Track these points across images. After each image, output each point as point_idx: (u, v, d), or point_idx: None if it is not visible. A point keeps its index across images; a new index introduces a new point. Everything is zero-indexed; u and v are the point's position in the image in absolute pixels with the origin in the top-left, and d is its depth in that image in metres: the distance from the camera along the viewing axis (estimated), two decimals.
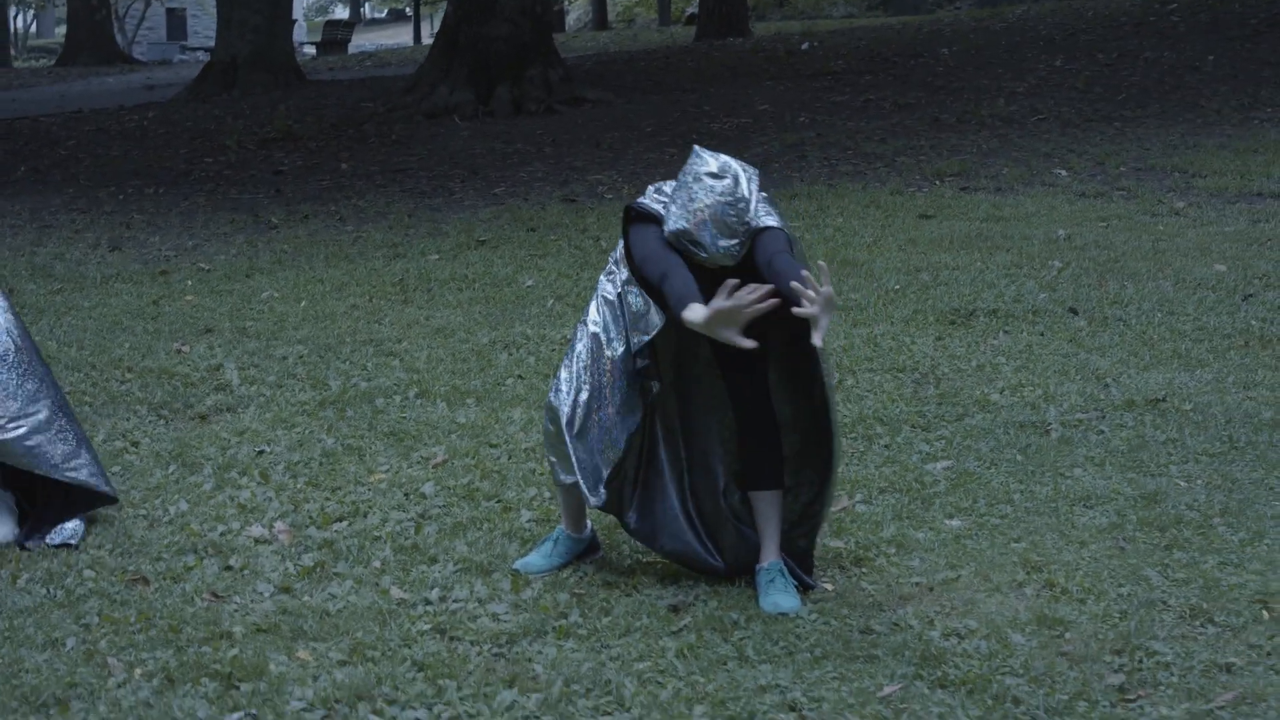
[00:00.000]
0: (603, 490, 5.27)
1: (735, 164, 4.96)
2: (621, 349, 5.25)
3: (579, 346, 5.35)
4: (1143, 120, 15.71)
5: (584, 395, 5.27)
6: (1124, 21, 21.04)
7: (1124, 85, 17.47)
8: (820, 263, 4.76)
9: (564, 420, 5.28)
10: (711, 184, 4.86)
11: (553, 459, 5.39)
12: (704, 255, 4.92)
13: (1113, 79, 17.80)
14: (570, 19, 56.00)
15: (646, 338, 5.20)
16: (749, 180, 4.95)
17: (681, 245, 4.95)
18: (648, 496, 5.37)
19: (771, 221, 5.00)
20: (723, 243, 4.88)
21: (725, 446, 5.41)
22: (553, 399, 5.36)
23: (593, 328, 5.31)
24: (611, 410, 5.26)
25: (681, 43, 28.27)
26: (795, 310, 4.59)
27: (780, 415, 5.27)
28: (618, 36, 35.99)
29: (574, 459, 5.27)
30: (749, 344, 4.60)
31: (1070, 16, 22.42)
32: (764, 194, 5.10)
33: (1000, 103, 16.98)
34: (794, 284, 4.59)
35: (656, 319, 5.15)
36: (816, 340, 4.57)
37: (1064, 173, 13.48)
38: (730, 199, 4.85)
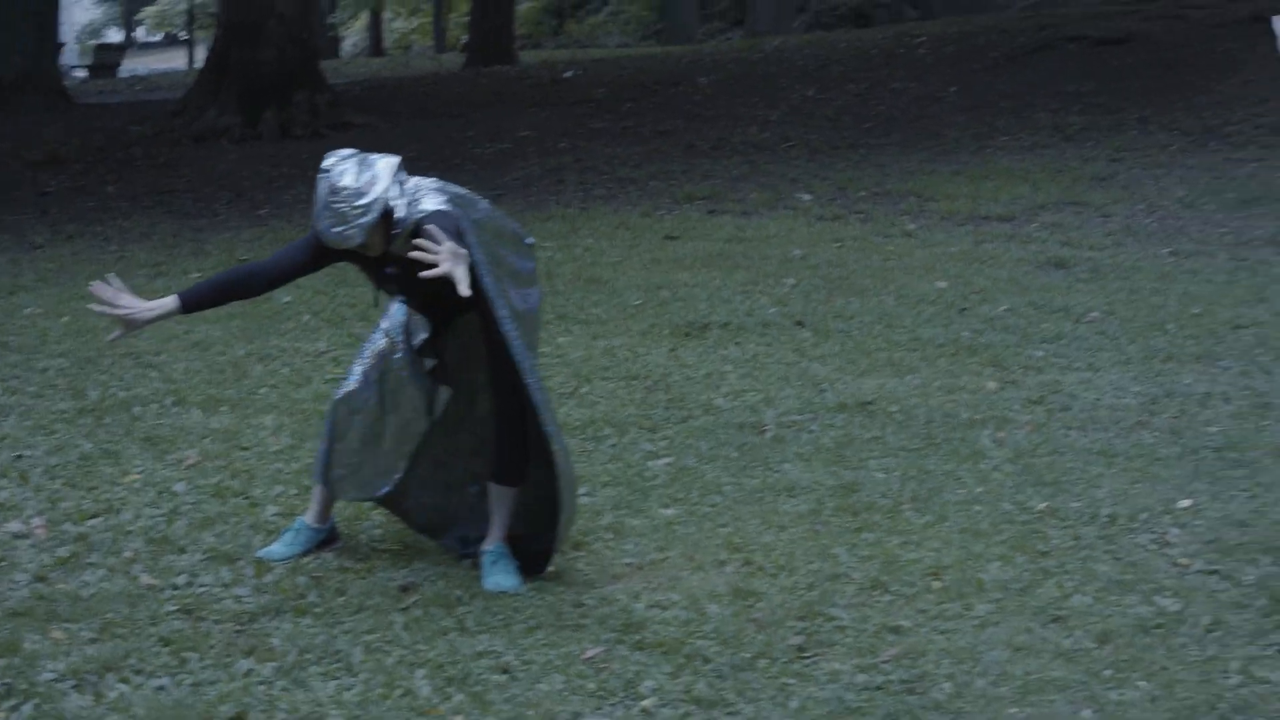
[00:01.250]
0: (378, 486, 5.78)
1: (350, 157, 5.31)
2: (401, 352, 5.71)
3: (367, 346, 5.81)
4: (885, 148, 16.51)
5: (361, 392, 5.74)
6: (875, 54, 21.94)
7: (871, 114, 18.29)
8: (428, 226, 5.12)
9: (338, 416, 5.75)
10: (320, 178, 5.28)
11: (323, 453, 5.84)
12: (331, 242, 5.31)
13: (861, 108, 18.63)
14: (347, 44, 55.99)
15: (424, 335, 5.66)
16: (362, 170, 5.26)
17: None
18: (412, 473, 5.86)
19: (433, 206, 5.38)
20: (334, 230, 5.24)
21: (473, 431, 5.87)
22: (336, 395, 5.81)
23: (383, 325, 5.79)
24: (388, 409, 5.73)
25: (451, 70, 28.68)
26: (424, 274, 4.98)
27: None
28: (390, 63, 36.28)
29: (338, 455, 5.76)
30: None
31: (825, 48, 23.30)
32: (439, 183, 5.51)
33: (753, 130, 17.68)
34: (417, 241, 5.03)
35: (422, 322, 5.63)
36: (463, 290, 4.94)
37: (807, 197, 14.17)
38: (329, 188, 5.23)
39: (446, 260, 4.91)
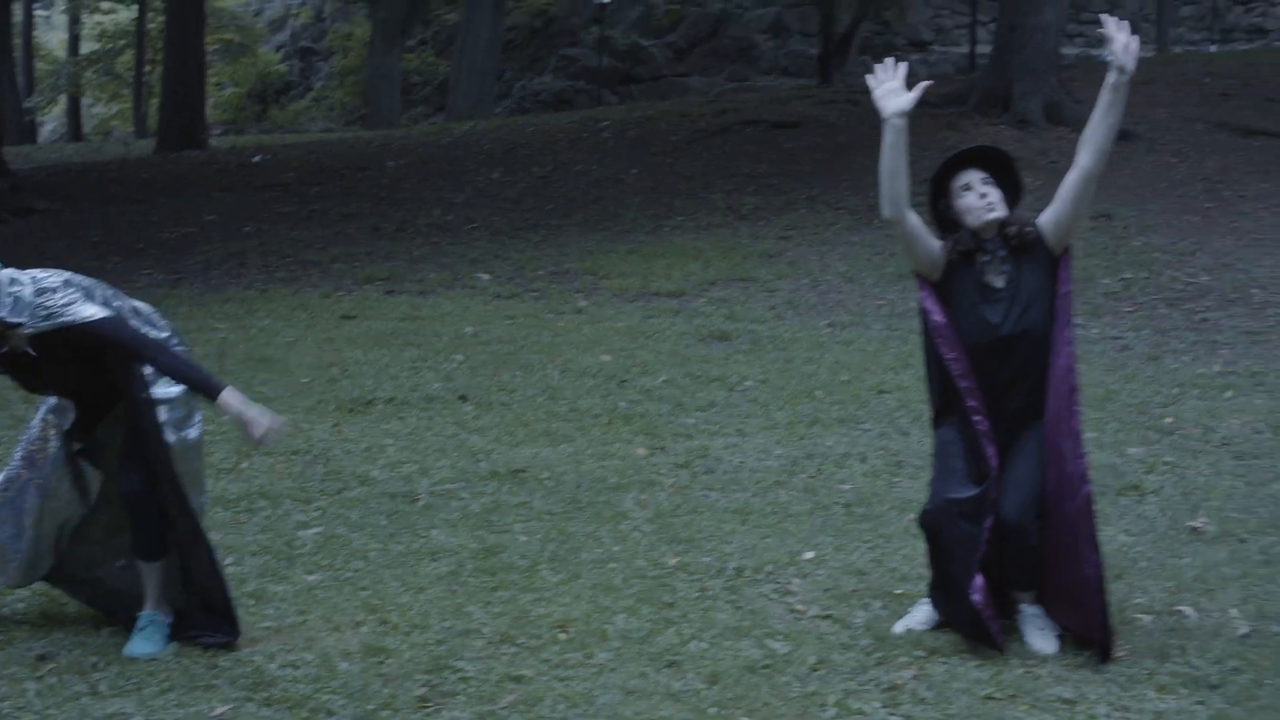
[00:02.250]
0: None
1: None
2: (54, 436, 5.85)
3: (27, 430, 5.93)
4: (566, 228, 16.92)
5: (18, 477, 5.86)
6: (560, 138, 22.44)
7: (554, 196, 18.72)
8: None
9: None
10: None
11: None
12: None
13: (544, 190, 19.05)
14: (46, 129, 54.95)
15: (72, 417, 5.79)
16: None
17: None
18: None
19: (90, 314, 5.53)
20: None
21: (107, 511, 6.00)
22: None
23: (42, 409, 5.91)
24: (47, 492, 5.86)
25: (141, 155, 28.44)
26: None
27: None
28: (84, 149, 35.78)
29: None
30: None
31: (512, 133, 23.73)
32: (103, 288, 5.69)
33: (437, 213, 17.96)
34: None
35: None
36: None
37: (486, 276, 14.47)
38: None
39: None
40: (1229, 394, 10.49)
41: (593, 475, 8.15)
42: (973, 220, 5.87)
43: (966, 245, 5.89)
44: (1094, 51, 40.75)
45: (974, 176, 5.93)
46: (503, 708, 5.19)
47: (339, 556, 6.80)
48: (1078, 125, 19.32)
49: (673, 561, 6.80)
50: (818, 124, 21.21)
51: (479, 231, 16.96)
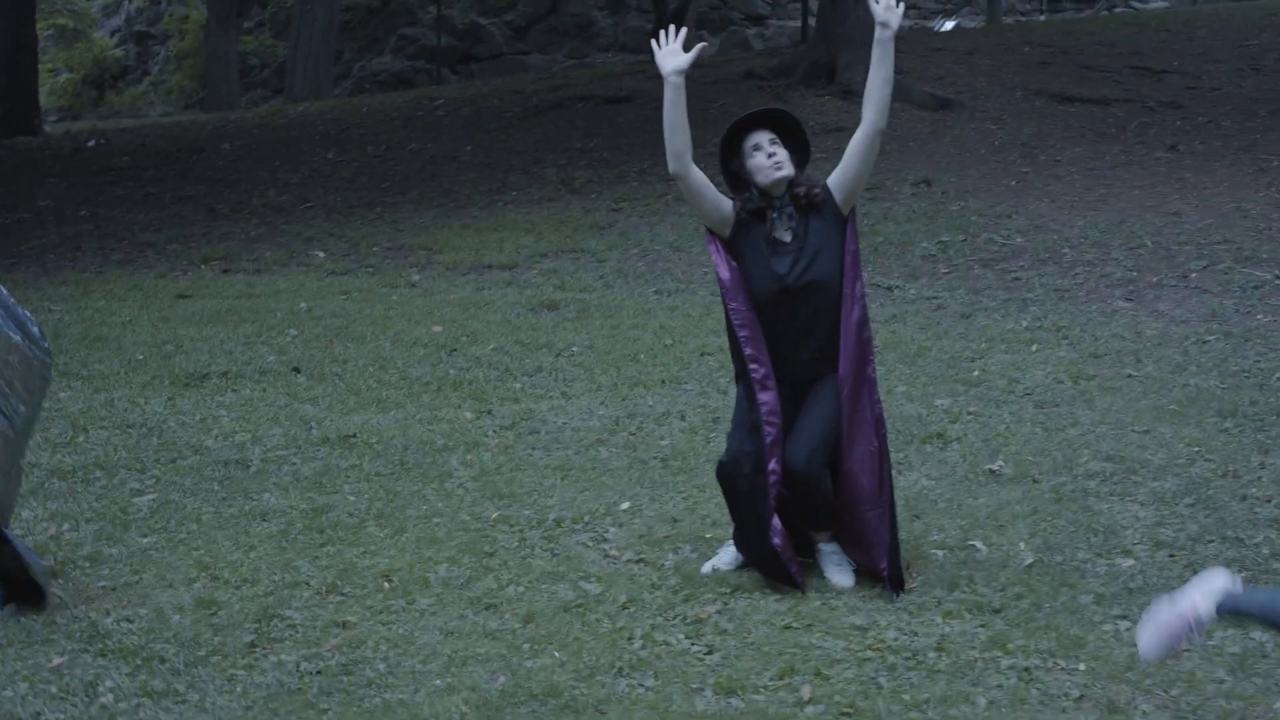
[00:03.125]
0: None
1: None
2: None
3: None
4: (401, 205, 17.14)
5: None
6: (395, 117, 22.60)
7: (389, 174, 18.92)
8: None
9: None
10: None
11: None
12: None
13: (379, 169, 19.23)
14: None
15: None
16: None
17: None
18: None
19: None
20: None
21: None
22: None
23: None
24: None
25: None
26: None
27: None
28: None
29: None
30: None
31: (347, 113, 23.84)
32: None
33: (272, 193, 18.09)
34: None
35: None
36: None
37: (321, 254, 14.68)
38: None
39: None
40: (1034, 347, 11.01)
41: (420, 438, 8.45)
42: (762, 179, 6.25)
43: (756, 203, 6.27)
44: (926, 23, 41.58)
45: (763, 138, 6.31)
46: (327, 650, 5.50)
47: (172, 520, 7.05)
48: (902, 95, 19.90)
49: (494, 515, 7.13)
50: (649, 98, 21.55)
51: (314, 211, 17.13)
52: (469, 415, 8.97)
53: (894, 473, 7.90)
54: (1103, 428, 9.00)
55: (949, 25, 38.51)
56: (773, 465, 6.20)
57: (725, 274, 6.28)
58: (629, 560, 6.61)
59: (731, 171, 6.40)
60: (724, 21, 41.78)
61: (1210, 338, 11.62)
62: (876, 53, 6.22)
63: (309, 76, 35.54)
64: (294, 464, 7.98)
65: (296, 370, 9.99)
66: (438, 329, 11.19)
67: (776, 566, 6.34)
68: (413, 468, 7.92)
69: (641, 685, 5.32)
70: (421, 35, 43.91)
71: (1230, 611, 4.59)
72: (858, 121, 6.33)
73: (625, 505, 7.33)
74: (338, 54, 41.67)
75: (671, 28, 6.36)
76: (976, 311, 12.28)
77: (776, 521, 6.27)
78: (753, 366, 6.24)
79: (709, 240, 6.37)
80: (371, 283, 13.25)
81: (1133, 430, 8.92)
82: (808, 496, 6.32)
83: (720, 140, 6.40)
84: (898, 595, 6.33)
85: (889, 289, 12.99)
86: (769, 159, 6.26)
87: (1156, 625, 4.65)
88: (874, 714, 5.15)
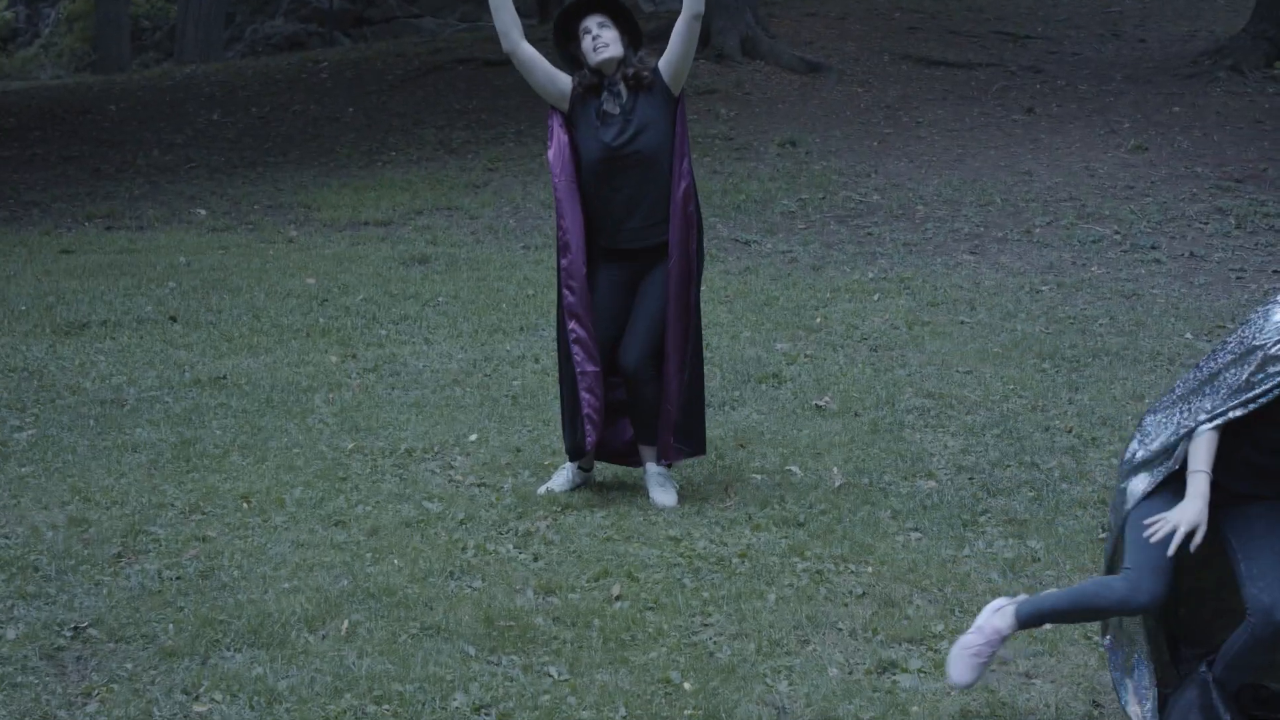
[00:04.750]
0: None
1: None
2: None
3: None
4: (282, 165, 17.62)
5: None
6: (280, 79, 23.00)
7: (271, 135, 19.37)
8: None
9: None
10: None
11: None
12: None
13: (262, 130, 19.68)
14: None
15: None
16: None
17: None
18: None
19: None
20: None
21: None
22: None
23: None
24: None
25: None
26: None
27: None
28: None
29: None
30: None
31: (234, 75, 24.20)
32: None
33: (157, 153, 18.50)
34: None
35: None
36: None
37: (203, 211, 15.15)
38: None
39: None
40: (876, 296, 11.71)
41: (287, 380, 9.02)
42: (592, 59, 6.91)
43: (589, 81, 6.92)
44: None
45: (592, 22, 6.98)
46: (187, 559, 6.09)
47: (49, 452, 7.58)
48: (772, 59, 20.62)
49: (350, 446, 7.72)
50: None
51: (198, 170, 17.56)
52: (334, 359, 9.53)
53: (728, 407, 8.60)
54: (929, 369, 9.70)
55: None
56: (572, 326, 6.89)
57: (552, 149, 6.94)
58: (471, 484, 7.22)
59: (569, 54, 7.03)
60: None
61: (1044, 288, 12.38)
62: None
63: (199, 39, 35.72)
64: (166, 403, 8.52)
65: (173, 319, 10.50)
66: (311, 281, 11.73)
67: (575, 424, 6.99)
68: (278, 405, 8.49)
69: (470, 586, 5.94)
70: None
71: (1029, 616, 5.06)
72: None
73: (473, 437, 7.94)
74: (231, 17, 41.80)
75: None
76: (827, 264, 12.96)
77: (588, 395, 6.94)
78: (561, 229, 6.90)
79: (550, 114, 6.99)
80: (250, 238, 13.75)
81: (956, 371, 9.63)
82: (636, 397, 6.99)
83: (553, 26, 7.04)
84: (668, 466, 7.15)
85: (746, 243, 13.65)
86: (595, 41, 6.89)
87: (962, 650, 4.98)
88: (674, 608, 5.80)
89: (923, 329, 10.63)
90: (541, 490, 7.14)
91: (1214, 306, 11.92)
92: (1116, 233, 14.33)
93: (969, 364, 9.71)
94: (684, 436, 7.20)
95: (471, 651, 5.34)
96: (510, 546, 6.41)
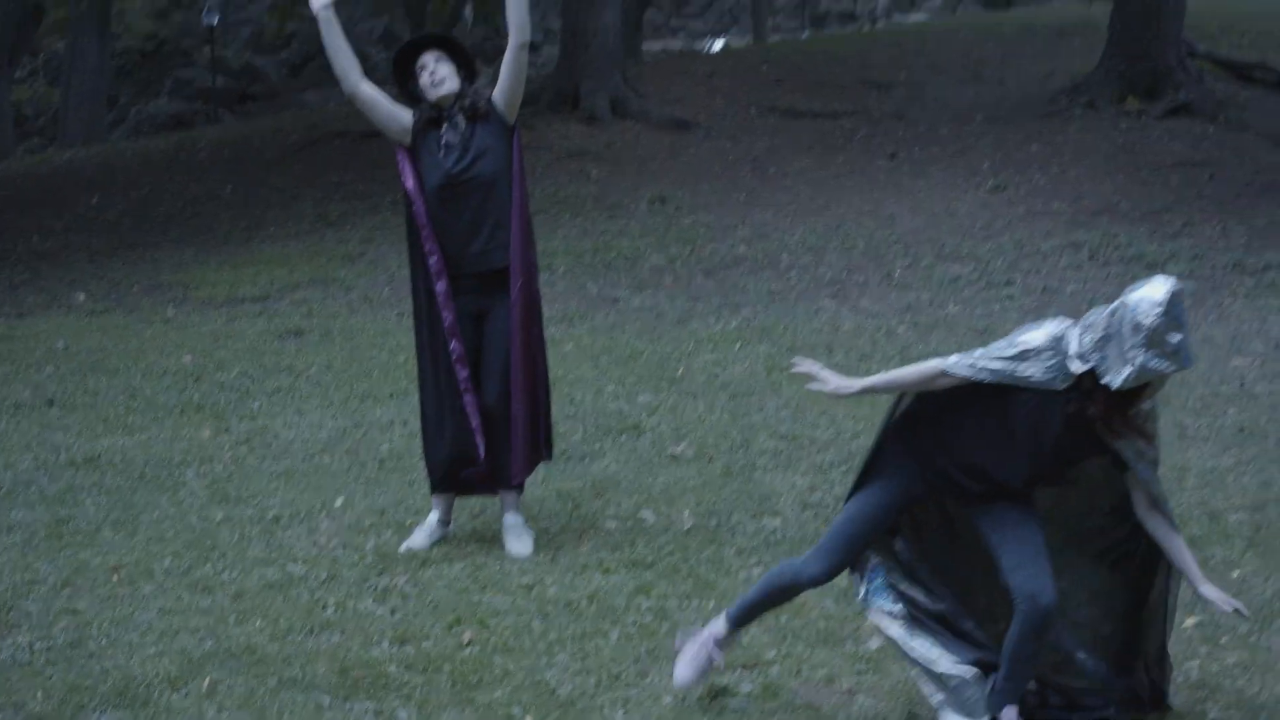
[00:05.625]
0: None
1: None
2: None
3: None
4: (162, 245, 17.84)
5: None
6: (159, 160, 23.22)
7: (151, 216, 19.59)
8: None
9: None
10: None
11: None
12: None
13: (142, 211, 19.88)
14: None
15: None
16: None
17: None
18: None
19: None
20: None
21: None
22: None
23: None
24: None
25: None
26: None
27: None
28: None
29: None
30: None
31: (113, 158, 24.40)
32: None
33: (36, 239, 18.66)
34: None
35: None
36: None
37: (82, 295, 15.37)
38: None
39: None
40: (738, 345, 12.14)
41: (160, 456, 9.29)
42: (431, 95, 7.31)
43: (430, 114, 7.32)
44: (696, 44, 42.97)
45: (429, 58, 7.40)
46: (57, 631, 6.36)
47: None
48: (641, 118, 21.10)
49: (220, 516, 8.02)
50: None
51: (77, 255, 17.75)
52: (207, 433, 9.82)
53: (588, 459, 8.97)
54: (784, 412, 10.13)
55: (718, 45, 39.93)
56: (453, 344, 7.31)
57: (408, 183, 7.36)
58: (335, 546, 7.54)
59: (409, 91, 7.42)
60: (497, 51, 42.77)
61: (900, 328, 12.87)
62: None
63: (82, 122, 35.80)
64: (41, 484, 8.76)
65: (50, 403, 10.74)
66: (187, 359, 12.00)
67: (460, 439, 7.37)
68: (150, 481, 8.77)
69: (328, 641, 6.26)
70: (198, 76, 44.26)
71: (737, 613, 5.65)
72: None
73: (339, 502, 8.26)
74: (115, 99, 41.95)
75: None
76: (692, 317, 13.39)
77: (473, 408, 7.36)
78: (431, 259, 7.32)
79: (397, 154, 7.37)
80: (128, 320, 13.99)
81: (810, 413, 10.06)
82: (495, 431, 7.34)
83: (391, 64, 7.44)
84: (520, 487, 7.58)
85: (614, 300, 14.07)
86: (431, 77, 7.29)
87: (684, 657, 5.63)
88: (522, 650, 6.15)
89: (780, 375, 11.04)
90: (403, 548, 7.47)
91: None
92: (974, 271, 14.87)
93: (823, 406, 10.12)
94: (533, 451, 7.58)
95: (326, 701, 5.66)
96: (370, 602, 6.73)
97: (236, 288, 15.12)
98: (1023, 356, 5.18)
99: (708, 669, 5.59)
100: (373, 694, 5.72)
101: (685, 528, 7.81)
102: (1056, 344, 5.15)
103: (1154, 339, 4.92)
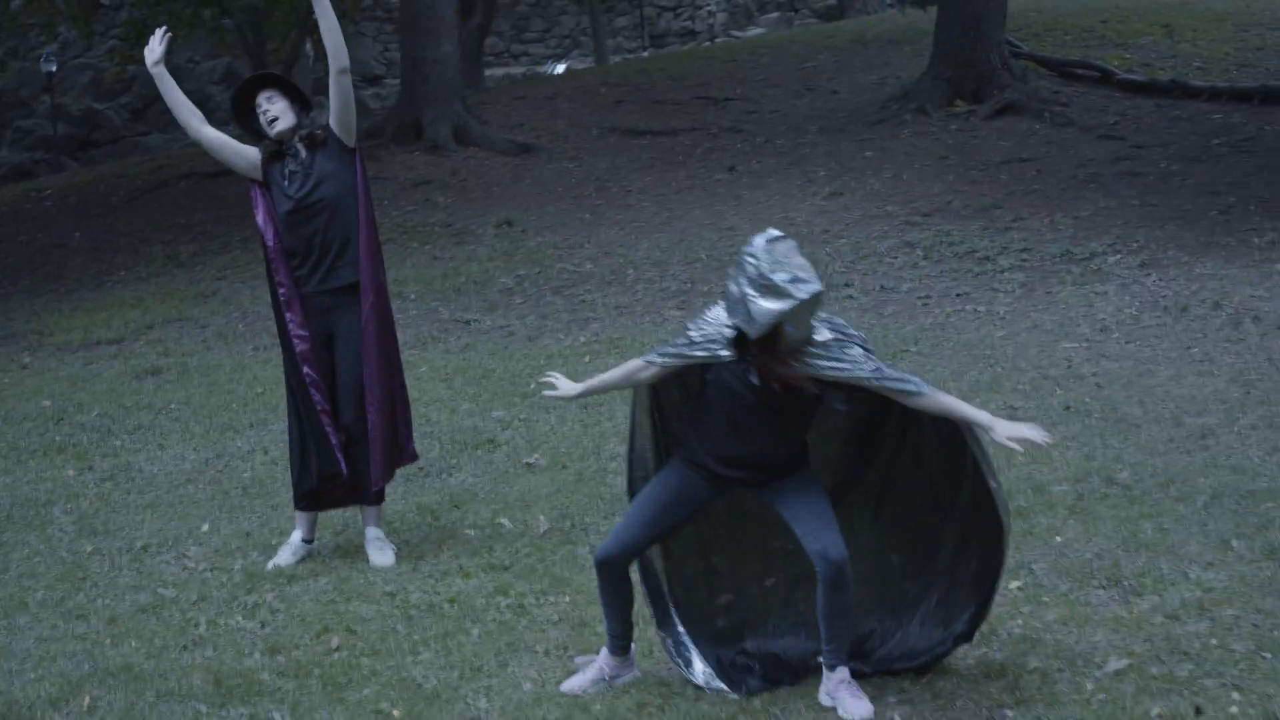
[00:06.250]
0: None
1: None
2: None
3: None
4: (13, 295, 17.90)
5: None
6: (3, 210, 23.16)
7: (1, 266, 19.59)
8: None
9: None
10: None
11: None
12: None
13: None
14: None
15: None
16: None
17: None
18: None
19: None
20: None
21: None
22: None
23: None
24: None
25: None
26: None
27: None
28: None
29: None
30: None
31: None
32: None
33: None
34: None
35: None
36: None
37: None
38: None
39: None
40: (587, 359, 12.51)
41: (26, 496, 9.50)
42: (270, 132, 7.65)
43: (272, 148, 7.67)
44: (539, 69, 43.35)
45: (263, 98, 7.76)
46: None
47: None
48: (485, 145, 21.45)
49: (89, 549, 8.27)
50: None
51: None
52: (71, 472, 10.03)
53: (445, 474, 9.30)
54: None
55: (560, 68, 40.32)
56: (306, 370, 7.66)
57: (259, 218, 7.75)
58: (204, 569, 7.82)
59: (252, 128, 7.78)
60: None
61: None
62: (316, 10, 7.63)
63: None
64: None
65: None
66: (46, 404, 12.16)
67: (322, 456, 7.72)
68: (18, 520, 8.98)
69: (202, 656, 6.55)
70: (38, 125, 43.90)
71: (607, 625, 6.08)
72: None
73: (205, 527, 8.54)
74: None
75: (160, 32, 7.74)
76: (543, 333, 13.75)
77: (331, 428, 7.72)
78: (281, 291, 7.70)
79: (250, 188, 7.73)
80: None
81: None
82: (355, 450, 7.69)
83: (230, 107, 7.80)
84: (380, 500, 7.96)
85: (466, 322, 14.38)
86: (265, 116, 7.62)
87: (579, 671, 6.11)
88: (388, 651, 6.49)
89: None
90: (270, 566, 7.76)
91: (900, 333, 12.96)
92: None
93: None
94: (393, 458, 7.93)
95: (203, 709, 5.96)
96: (240, 618, 7.03)
97: (91, 331, 15.26)
98: (691, 340, 5.71)
99: (599, 678, 5.99)
100: (247, 700, 6.02)
101: (541, 530, 8.17)
102: (714, 321, 5.66)
103: (761, 283, 5.38)
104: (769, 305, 5.37)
